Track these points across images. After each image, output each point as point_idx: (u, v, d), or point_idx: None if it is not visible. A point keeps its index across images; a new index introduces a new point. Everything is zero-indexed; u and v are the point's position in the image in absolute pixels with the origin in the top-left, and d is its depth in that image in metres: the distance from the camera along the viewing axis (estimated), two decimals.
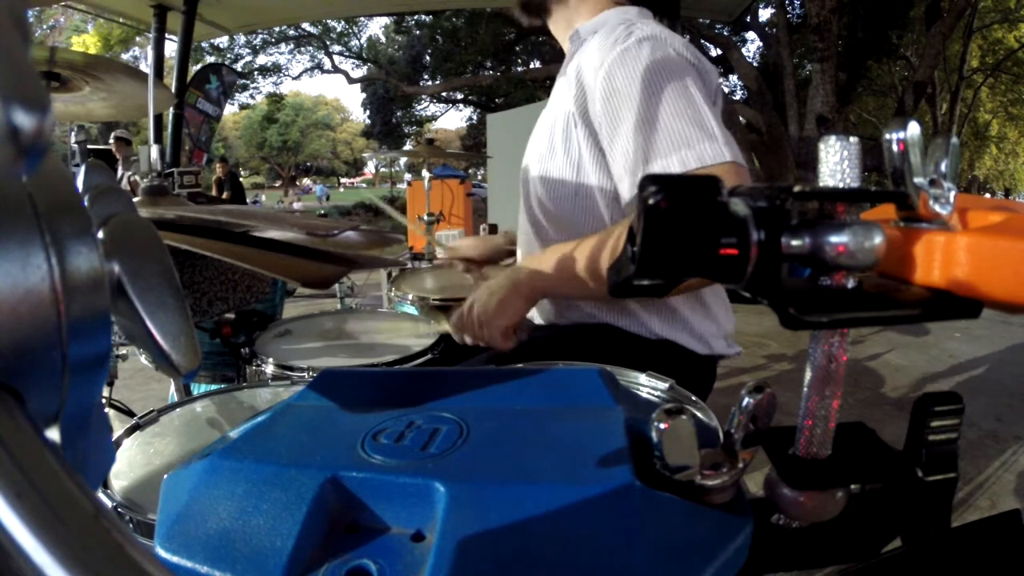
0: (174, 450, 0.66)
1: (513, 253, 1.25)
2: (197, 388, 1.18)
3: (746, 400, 0.34)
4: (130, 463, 0.63)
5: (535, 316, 1.06)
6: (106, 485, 0.56)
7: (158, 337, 0.21)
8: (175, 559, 0.31)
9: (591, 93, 0.87)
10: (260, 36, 15.79)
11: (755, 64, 10.21)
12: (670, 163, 0.79)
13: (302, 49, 17.04)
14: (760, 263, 0.26)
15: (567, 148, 0.93)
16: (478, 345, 0.89)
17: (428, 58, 16.92)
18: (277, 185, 31.22)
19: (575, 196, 0.93)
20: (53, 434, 0.16)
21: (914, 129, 0.29)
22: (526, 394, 0.43)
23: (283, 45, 16.76)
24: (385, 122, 20.74)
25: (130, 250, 0.22)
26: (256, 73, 17.81)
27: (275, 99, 25.49)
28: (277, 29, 14.98)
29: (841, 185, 0.28)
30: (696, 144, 0.79)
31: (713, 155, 0.77)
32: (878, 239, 0.26)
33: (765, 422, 0.35)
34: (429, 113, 20.60)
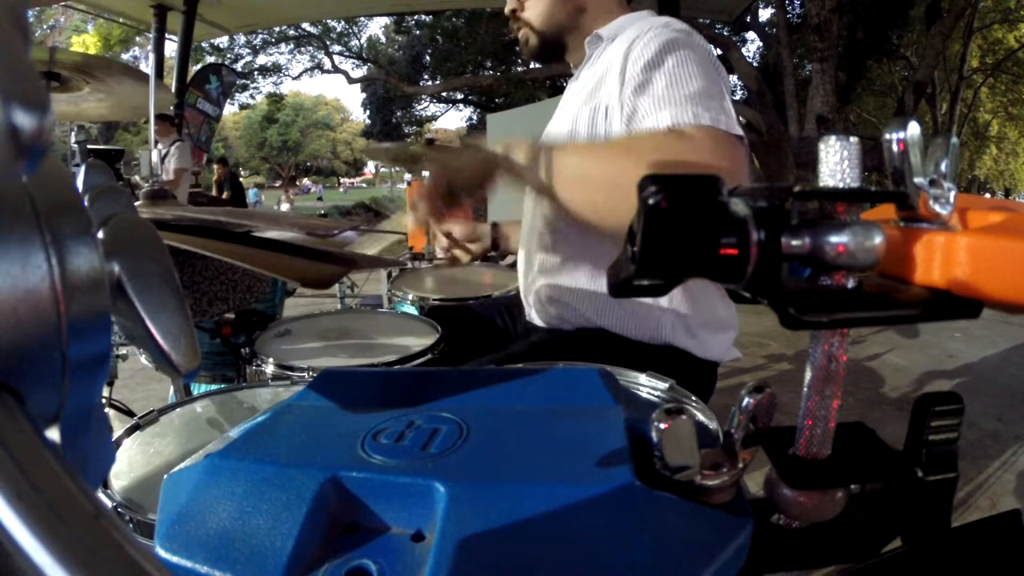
0: (174, 450, 0.66)
1: (496, 248, 1.26)
2: (197, 388, 1.18)
3: (746, 400, 0.34)
4: (130, 463, 0.62)
5: (535, 319, 1.05)
6: (106, 485, 0.56)
7: (158, 337, 0.21)
8: (175, 559, 0.31)
9: (628, 80, 0.87)
10: (260, 36, 15.78)
11: (755, 64, 10.20)
12: (663, 117, 0.78)
13: (302, 49, 17.03)
14: (760, 263, 0.26)
15: (591, 138, 0.91)
16: (424, 219, 0.77)
17: (428, 58, 16.91)
18: (277, 185, 31.23)
19: None
20: (53, 434, 0.16)
21: (914, 129, 0.29)
22: (526, 394, 0.43)
23: (283, 45, 16.76)
24: (385, 122, 20.71)
25: (130, 250, 0.22)
26: (256, 73, 17.80)
27: (275, 99, 25.48)
28: (277, 29, 14.97)
29: (841, 185, 0.28)
30: (697, 103, 0.76)
31: (711, 119, 0.75)
32: (878, 239, 0.26)
33: (765, 422, 0.35)
34: (429, 113, 20.59)
